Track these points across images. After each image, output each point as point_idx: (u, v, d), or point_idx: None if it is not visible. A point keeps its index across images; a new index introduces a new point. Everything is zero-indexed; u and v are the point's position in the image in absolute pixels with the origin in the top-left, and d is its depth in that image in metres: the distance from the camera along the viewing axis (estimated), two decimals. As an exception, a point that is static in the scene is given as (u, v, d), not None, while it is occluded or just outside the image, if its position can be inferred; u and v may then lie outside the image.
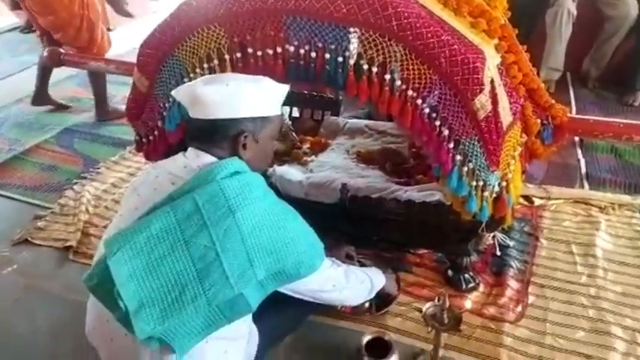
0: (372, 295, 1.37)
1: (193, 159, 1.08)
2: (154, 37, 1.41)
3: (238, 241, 0.94)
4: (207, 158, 1.07)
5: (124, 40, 4.02)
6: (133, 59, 1.53)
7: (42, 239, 1.96)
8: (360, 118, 2.26)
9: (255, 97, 1.07)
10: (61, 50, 2.50)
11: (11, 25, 4.71)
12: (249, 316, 1.11)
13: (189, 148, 1.11)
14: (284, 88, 1.12)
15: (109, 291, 0.92)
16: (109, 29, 4.54)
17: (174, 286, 0.91)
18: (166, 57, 1.39)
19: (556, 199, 2.10)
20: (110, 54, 3.38)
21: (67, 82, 3.51)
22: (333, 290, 1.18)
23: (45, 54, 2.42)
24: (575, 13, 2.89)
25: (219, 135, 1.07)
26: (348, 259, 1.50)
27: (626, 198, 2.09)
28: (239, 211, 0.95)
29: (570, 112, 1.57)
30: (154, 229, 0.93)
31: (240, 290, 0.94)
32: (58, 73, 3.14)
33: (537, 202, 2.09)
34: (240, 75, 1.16)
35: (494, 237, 1.58)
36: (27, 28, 4.57)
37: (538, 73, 1.50)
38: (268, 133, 1.12)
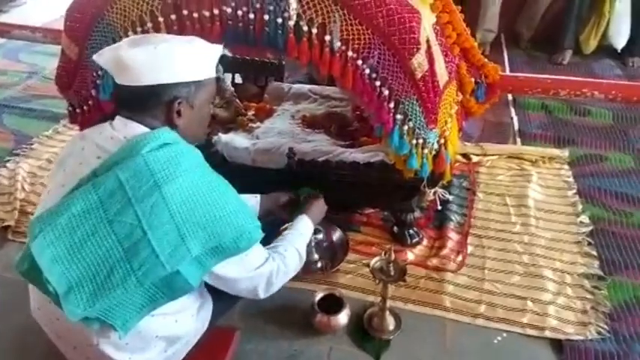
0: (303, 261, 1.22)
1: (121, 129, 0.99)
2: (80, 0, 1.33)
3: (167, 217, 0.88)
4: (136, 128, 0.98)
5: (51, 7, 3.74)
6: (61, 27, 1.43)
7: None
8: (303, 82, 2.23)
9: (187, 60, 0.98)
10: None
11: None
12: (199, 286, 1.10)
13: (117, 117, 1.01)
14: (217, 49, 1.04)
15: (39, 275, 0.89)
16: (31, -5, 4.24)
17: (102, 267, 0.87)
18: (96, 21, 1.32)
19: (491, 155, 2.20)
20: (37, 22, 3.16)
21: (-9, 53, 3.24)
22: (270, 263, 1.08)
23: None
24: (507, -25, 2.96)
25: (150, 102, 0.98)
26: (281, 207, 1.40)
27: (555, 151, 2.22)
28: (166, 186, 0.89)
29: (503, 72, 1.63)
30: (74, 210, 0.88)
31: (174, 268, 0.90)
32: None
33: (474, 158, 2.18)
34: (168, 36, 1.08)
35: (435, 193, 1.63)
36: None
37: (473, 35, 1.54)
38: (204, 97, 1.04)
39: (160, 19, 1.26)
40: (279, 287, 1.13)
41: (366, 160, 1.59)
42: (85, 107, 1.49)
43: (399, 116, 1.29)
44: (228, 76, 2.09)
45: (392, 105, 1.27)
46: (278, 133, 1.81)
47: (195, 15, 1.23)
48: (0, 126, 2.47)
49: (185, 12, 1.24)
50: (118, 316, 0.90)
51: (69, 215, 0.88)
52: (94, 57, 1.00)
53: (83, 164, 0.97)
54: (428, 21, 1.26)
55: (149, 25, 1.27)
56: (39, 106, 2.64)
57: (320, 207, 1.39)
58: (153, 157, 0.90)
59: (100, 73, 1.39)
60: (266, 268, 1.06)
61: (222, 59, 1.96)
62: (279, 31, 1.21)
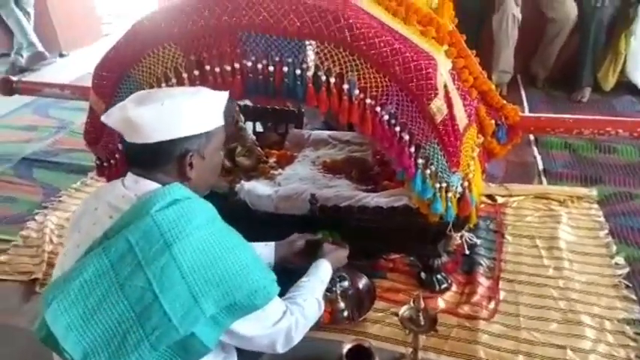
0: (322, 309, 1.17)
1: (132, 186, 0.98)
2: (108, 58, 1.40)
3: (178, 278, 0.85)
4: (148, 185, 0.97)
5: (78, 65, 3.95)
6: (88, 84, 1.49)
7: (6, 273, 1.88)
8: (322, 129, 2.27)
9: (195, 113, 0.97)
10: (14, 78, 2.42)
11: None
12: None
13: (128, 174, 1.01)
14: (224, 96, 1.04)
15: (57, 342, 0.87)
16: (61, 54, 4.49)
17: (116, 333, 0.85)
18: (122, 78, 1.37)
19: (517, 195, 2.16)
20: (64, 79, 3.32)
21: (24, 110, 3.40)
22: (288, 317, 1.04)
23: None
24: (519, 17, 3.01)
25: (161, 159, 0.98)
26: (297, 254, 1.34)
27: (583, 190, 2.17)
28: (175, 245, 0.86)
29: (522, 112, 1.63)
30: (86, 275, 0.87)
31: (188, 331, 0.86)
32: (14, 101, 3.03)
33: (500, 200, 2.14)
34: (174, 90, 1.08)
35: (462, 237, 1.61)
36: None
37: (489, 77, 1.55)
38: (214, 146, 1.04)
39: (184, 75, 1.30)
40: (299, 340, 1.09)
41: (390, 205, 1.57)
42: (112, 161, 1.53)
43: (420, 160, 1.29)
44: (249, 125, 2.13)
45: (413, 149, 1.27)
46: (300, 179, 1.82)
47: (217, 69, 1.27)
48: (30, 180, 2.55)
49: (208, 67, 1.28)
50: None
51: (81, 281, 0.87)
52: (102, 118, 1.00)
53: (97, 224, 0.96)
54: (444, 67, 1.28)
55: (173, 80, 1.31)
56: (67, 159, 2.73)
57: (342, 253, 1.35)
58: (162, 216, 0.89)
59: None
60: (284, 323, 1.03)
61: (244, 109, 2.05)
62: (298, 82, 1.24)
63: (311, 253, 1.32)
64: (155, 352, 0.86)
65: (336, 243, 1.38)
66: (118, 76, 1.37)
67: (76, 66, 3.98)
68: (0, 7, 4.05)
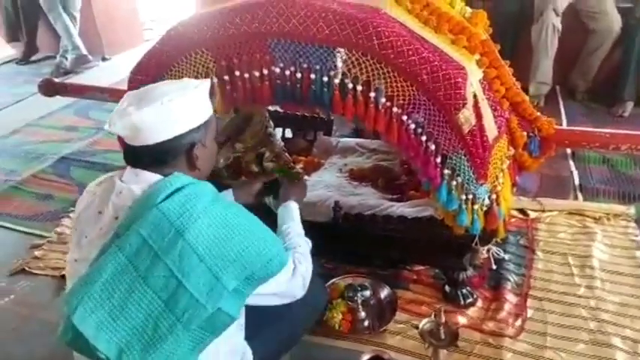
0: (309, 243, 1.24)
1: (131, 179, 1.01)
2: (143, 63, 1.44)
3: (196, 261, 0.90)
4: (149, 177, 1.00)
5: (119, 69, 4.10)
6: (125, 87, 1.53)
7: (39, 268, 1.96)
8: (350, 136, 2.28)
9: (193, 106, 1.03)
10: (56, 80, 2.53)
11: (8, 57, 4.80)
12: (241, 335, 1.11)
13: (128, 169, 1.04)
14: (207, 83, 1.08)
15: (85, 343, 0.90)
16: (104, 58, 4.67)
17: (147, 324, 0.89)
18: (156, 82, 1.39)
19: (550, 211, 2.10)
20: (106, 82, 3.45)
21: (65, 111, 3.55)
22: (299, 267, 1.11)
23: (40, 84, 2.45)
24: (560, 27, 2.94)
25: (170, 156, 1.02)
26: (256, 196, 1.43)
27: (620, 208, 2.09)
28: (187, 231, 0.90)
29: (560, 125, 1.59)
30: (106, 275, 0.90)
31: (215, 307, 0.91)
32: (56, 102, 3.17)
33: (532, 214, 2.09)
34: (162, 85, 1.08)
35: (488, 251, 1.58)
36: (23, 60, 4.65)
37: (527, 88, 1.52)
38: (211, 134, 1.10)
39: (215, 79, 1.33)
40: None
41: (414, 215, 1.57)
42: None
43: (446, 171, 1.27)
44: (278, 131, 2.16)
45: (439, 160, 1.26)
46: (325, 186, 1.83)
47: (247, 75, 1.30)
48: (67, 178, 2.66)
49: (237, 73, 1.31)
50: None
51: (102, 282, 0.89)
52: (106, 127, 1.02)
53: (103, 229, 0.99)
54: (475, 76, 1.27)
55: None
56: (103, 159, 2.83)
57: (300, 187, 1.44)
58: (168, 206, 0.92)
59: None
60: (297, 277, 1.09)
61: (273, 115, 2.08)
62: (325, 89, 1.25)
63: (270, 193, 1.43)
64: (187, 333, 0.90)
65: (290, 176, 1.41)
66: (153, 80, 1.40)
67: (118, 69, 4.14)
68: (48, 11, 4.26)
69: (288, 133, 2.27)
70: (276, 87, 1.30)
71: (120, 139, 1.09)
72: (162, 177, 1.00)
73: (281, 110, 2.06)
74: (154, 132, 0.99)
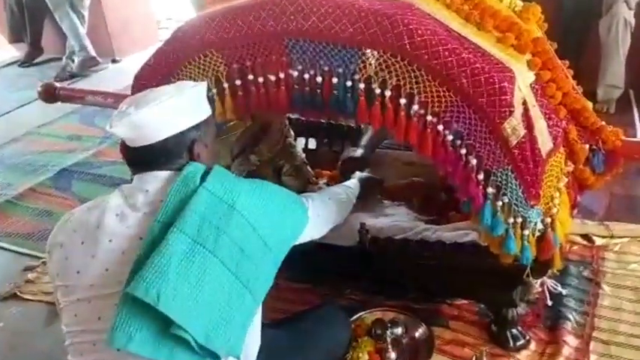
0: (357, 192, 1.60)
1: (138, 186, 1.13)
2: (148, 67, 1.48)
3: (250, 231, 1.09)
4: (156, 175, 1.13)
5: (130, 72, 4.22)
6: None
7: (31, 293, 2.03)
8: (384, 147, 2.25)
9: (191, 104, 1.17)
10: (56, 84, 2.62)
11: (10, 58, 5.00)
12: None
13: (134, 181, 1.15)
14: (204, 85, 1.23)
15: (143, 341, 0.97)
16: (114, 60, 4.83)
17: (222, 297, 1.03)
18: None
19: (620, 237, 2.07)
20: (115, 86, 3.56)
21: (70, 118, 3.68)
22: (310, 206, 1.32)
23: (39, 89, 2.55)
24: (632, 21, 2.87)
25: (173, 154, 1.14)
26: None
27: None
28: (236, 204, 1.08)
29: (635, 136, 1.54)
30: (176, 258, 0.99)
31: (268, 273, 1.14)
32: (60, 108, 3.28)
33: (598, 241, 2.05)
34: (159, 90, 1.20)
35: (542, 284, 1.54)
36: (26, 62, 4.84)
37: (594, 92, 1.48)
38: (211, 133, 1.24)
39: (225, 84, 1.36)
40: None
41: (454, 240, 1.55)
42: None
43: (490, 190, 1.25)
44: (300, 142, 2.17)
45: (481, 176, 1.24)
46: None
47: (261, 79, 1.32)
48: (68, 192, 2.75)
49: (251, 77, 1.33)
50: (238, 338, 1.08)
51: (174, 266, 0.98)
52: (107, 128, 1.13)
53: (125, 253, 1.05)
54: (524, 80, 1.24)
55: (213, 91, 1.37)
56: (109, 172, 2.91)
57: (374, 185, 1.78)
58: (211, 185, 1.09)
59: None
60: (314, 219, 1.31)
61: (294, 123, 2.09)
62: (349, 95, 1.25)
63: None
64: (254, 301, 1.11)
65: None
66: (157, 85, 1.42)
67: (129, 72, 4.23)
68: (55, 9, 4.41)
69: (312, 144, 2.28)
70: (293, 92, 1.30)
71: (122, 149, 1.21)
72: (173, 172, 1.13)
73: (303, 118, 2.07)
74: (154, 130, 1.11)
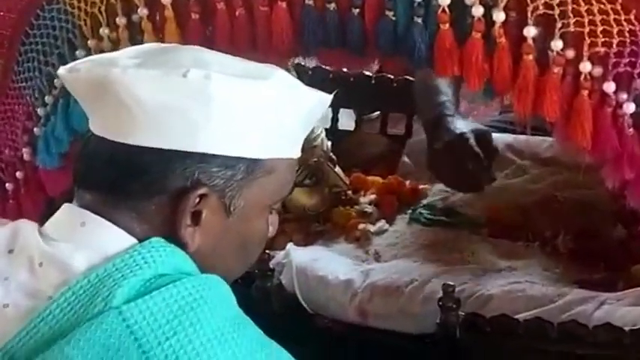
0: None
1: (70, 238, 1.07)
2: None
3: None
4: (106, 235, 1.06)
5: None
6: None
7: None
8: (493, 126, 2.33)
9: (242, 107, 1.06)
10: None
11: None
12: None
13: (66, 207, 1.11)
14: (326, 99, 1.14)
15: None
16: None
17: None
18: (37, 7, 1.47)
19: None
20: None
21: None
22: None
23: None
24: None
25: (143, 182, 1.06)
26: None
27: None
28: None
29: None
30: None
31: None
32: None
33: None
34: (203, 50, 1.18)
35: None
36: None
37: None
38: (260, 195, 1.12)
39: (165, 1, 1.38)
40: None
41: (637, 324, 1.55)
42: (8, 184, 1.63)
43: None
44: (324, 116, 2.13)
45: None
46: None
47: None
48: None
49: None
50: None
51: None
52: (60, 71, 1.10)
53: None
54: None
55: (144, 12, 1.42)
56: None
57: None
58: (136, 311, 0.97)
59: (39, 110, 1.53)
60: None
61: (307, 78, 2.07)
62: (418, 19, 1.25)
63: None
64: None
65: None
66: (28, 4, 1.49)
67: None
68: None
69: (346, 119, 2.29)
70: (303, 14, 1.35)
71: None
72: (132, 241, 1.05)
73: (325, 66, 2.10)
74: (139, 121, 1.04)
